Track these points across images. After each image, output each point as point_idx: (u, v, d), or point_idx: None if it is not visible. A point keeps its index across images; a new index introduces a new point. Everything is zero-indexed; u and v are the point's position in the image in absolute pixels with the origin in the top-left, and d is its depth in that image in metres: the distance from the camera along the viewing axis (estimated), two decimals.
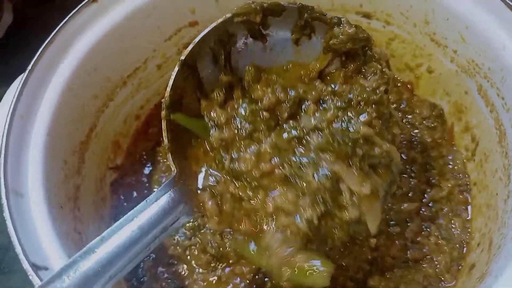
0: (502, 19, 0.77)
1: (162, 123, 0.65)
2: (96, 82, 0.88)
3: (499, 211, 0.75)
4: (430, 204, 0.88)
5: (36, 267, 0.57)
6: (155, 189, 0.94)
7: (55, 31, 0.80)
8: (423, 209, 0.88)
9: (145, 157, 0.99)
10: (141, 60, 0.96)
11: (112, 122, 0.94)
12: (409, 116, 0.98)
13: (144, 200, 0.61)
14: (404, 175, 0.90)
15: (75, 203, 0.78)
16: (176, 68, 0.66)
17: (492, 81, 0.80)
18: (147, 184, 0.96)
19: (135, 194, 0.95)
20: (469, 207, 0.87)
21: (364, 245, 0.82)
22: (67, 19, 0.82)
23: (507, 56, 0.75)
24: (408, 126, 0.96)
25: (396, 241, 0.84)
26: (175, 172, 0.64)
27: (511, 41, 0.76)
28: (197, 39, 0.67)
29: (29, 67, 0.75)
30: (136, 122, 1.03)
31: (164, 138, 0.66)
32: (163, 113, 0.66)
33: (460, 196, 0.89)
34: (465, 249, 0.83)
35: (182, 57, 0.66)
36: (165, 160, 0.98)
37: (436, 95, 0.96)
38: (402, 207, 0.87)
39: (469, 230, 0.84)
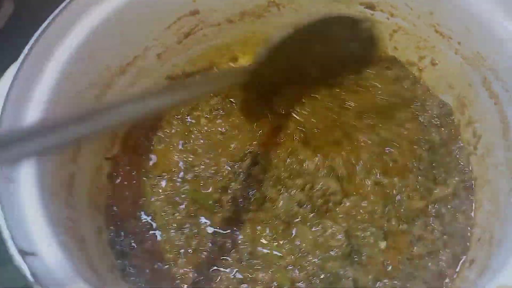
0: (508, 9, 0.75)
1: None
2: (95, 69, 0.87)
3: (500, 206, 0.73)
4: (436, 201, 0.87)
5: (23, 253, 0.56)
6: (150, 177, 0.94)
7: (51, 16, 0.78)
8: (429, 206, 0.87)
9: (141, 145, 0.98)
10: (141, 48, 0.95)
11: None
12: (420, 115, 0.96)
13: None
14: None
15: (69, 191, 0.77)
16: None
17: (497, 73, 0.78)
18: (143, 173, 0.95)
19: (132, 183, 0.94)
20: (473, 202, 0.85)
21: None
22: (65, 4, 0.80)
23: None
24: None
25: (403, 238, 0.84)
26: None
27: None
28: None
29: (24, 52, 0.74)
30: None
31: None
32: None
33: (464, 192, 0.87)
34: (468, 244, 0.81)
35: None
36: (158, 149, 0.98)
37: (439, 88, 0.94)
38: (410, 206, 0.86)
39: (472, 225, 0.82)
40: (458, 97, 0.90)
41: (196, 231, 0.87)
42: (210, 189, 0.91)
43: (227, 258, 0.84)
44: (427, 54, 0.93)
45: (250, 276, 0.82)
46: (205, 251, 0.85)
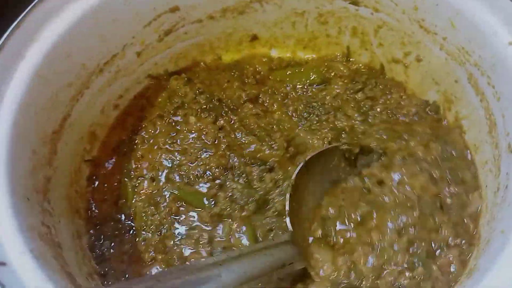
0: (494, 5, 0.74)
1: (286, 196, 0.81)
2: (70, 69, 0.83)
3: (488, 204, 0.72)
4: None
5: None
6: (132, 177, 0.91)
7: (23, 13, 0.75)
8: None
9: (122, 147, 0.95)
10: (119, 47, 0.92)
11: (88, 112, 0.90)
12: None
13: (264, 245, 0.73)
14: None
15: (45, 195, 0.74)
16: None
17: (483, 69, 0.77)
18: (125, 174, 0.92)
19: (113, 185, 0.91)
20: None
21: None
22: (38, 1, 0.77)
23: (498, 43, 0.73)
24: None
25: None
26: (291, 230, 0.78)
27: (502, 27, 0.73)
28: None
29: None
30: (114, 111, 0.99)
31: (286, 206, 0.80)
32: (289, 189, 0.81)
33: None
34: None
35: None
36: (142, 150, 0.95)
37: (425, 84, 0.93)
38: None
39: None
40: (445, 93, 0.89)
41: (171, 232, 0.85)
42: (200, 186, 0.89)
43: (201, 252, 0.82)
44: (412, 50, 0.92)
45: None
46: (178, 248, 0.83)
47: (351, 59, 1.04)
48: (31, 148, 0.73)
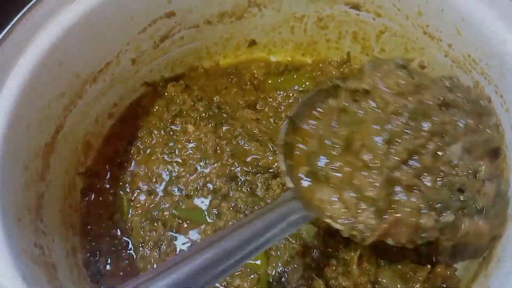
0: (502, 11, 0.72)
1: (279, 156, 0.76)
2: (63, 78, 0.80)
3: None
4: None
5: None
6: (127, 191, 0.88)
7: (13, 21, 0.72)
8: None
9: (117, 157, 0.92)
10: (113, 53, 0.89)
11: (82, 121, 0.87)
12: None
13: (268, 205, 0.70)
14: None
15: (37, 213, 0.71)
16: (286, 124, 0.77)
17: (490, 77, 0.75)
18: (120, 187, 0.89)
19: (108, 198, 0.88)
20: None
21: None
22: (28, 8, 0.74)
23: (507, 51, 0.70)
24: None
25: None
26: (293, 187, 0.72)
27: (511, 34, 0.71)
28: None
29: None
30: (109, 120, 0.96)
31: (282, 166, 0.75)
32: (280, 149, 0.76)
33: None
34: None
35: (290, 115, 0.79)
36: (138, 160, 0.92)
37: None
38: None
39: None
40: None
41: (172, 248, 0.82)
42: (200, 200, 0.86)
43: None
44: (415, 56, 0.89)
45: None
46: None
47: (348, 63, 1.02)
48: (23, 163, 0.70)
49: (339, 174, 0.73)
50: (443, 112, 0.69)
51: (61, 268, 0.70)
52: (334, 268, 0.77)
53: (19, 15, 0.73)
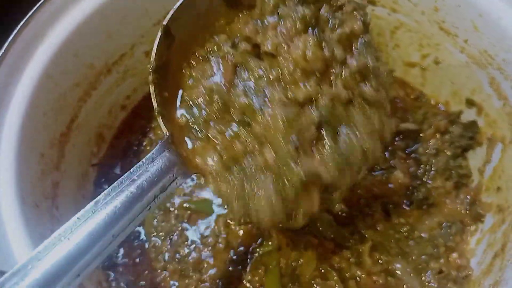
0: None
1: (150, 87, 0.62)
2: (78, 69, 0.81)
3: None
4: None
5: (2, 273, 0.51)
6: None
7: (30, 12, 0.72)
8: None
9: (130, 149, 0.92)
10: (128, 46, 0.89)
11: (95, 113, 0.87)
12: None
13: (140, 161, 0.57)
14: None
15: (53, 201, 0.71)
16: (159, 34, 0.64)
17: (507, 73, 0.74)
18: None
19: None
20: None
21: None
22: (45, 0, 0.74)
23: None
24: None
25: None
26: (167, 134, 0.60)
27: None
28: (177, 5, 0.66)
29: (1, 52, 0.68)
30: (122, 112, 0.96)
31: (153, 102, 0.61)
32: (150, 77, 0.62)
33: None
34: None
35: (164, 23, 0.65)
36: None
37: (443, 87, 0.90)
38: None
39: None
40: (464, 98, 0.87)
41: (184, 238, 0.82)
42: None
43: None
44: (430, 52, 0.89)
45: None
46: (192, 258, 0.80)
47: None
48: (40, 152, 0.71)
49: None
50: None
51: None
52: (347, 258, 0.77)
53: (36, 6, 0.73)
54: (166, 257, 0.81)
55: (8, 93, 0.67)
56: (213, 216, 0.84)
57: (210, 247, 0.80)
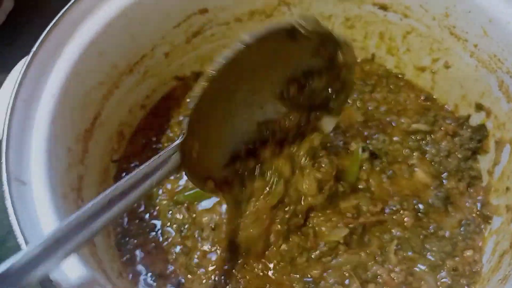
0: None
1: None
2: (102, 68, 0.84)
3: None
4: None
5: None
6: None
7: (61, 12, 0.76)
8: None
9: (148, 146, 0.96)
10: (149, 47, 0.93)
11: (117, 111, 0.91)
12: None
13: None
14: None
15: (79, 193, 0.74)
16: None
17: None
18: None
19: None
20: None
21: None
22: (73, 1, 0.78)
23: None
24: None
25: None
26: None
27: None
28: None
29: (33, 50, 0.72)
30: (141, 111, 0.99)
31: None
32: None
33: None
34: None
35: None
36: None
37: (452, 91, 0.93)
38: None
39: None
40: (473, 101, 0.89)
41: (192, 231, 0.85)
42: None
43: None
44: (440, 57, 0.92)
45: None
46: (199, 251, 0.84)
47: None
48: (67, 146, 0.74)
49: None
50: None
51: (100, 247, 0.73)
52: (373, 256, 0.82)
53: (64, 9, 0.77)
54: (177, 250, 0.85)
55: (39, 88, 0.71)
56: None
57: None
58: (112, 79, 0.87)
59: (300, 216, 0.82)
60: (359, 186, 0.88)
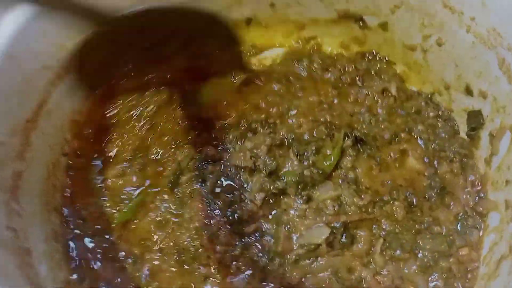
0: None
1: None
2: (47, 50, 0.74)
3: None
4: None
5: None
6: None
7: None
8: None
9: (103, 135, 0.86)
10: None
11: (68, 98, 0.81)
12: None
13: None
14: None
15: (12, 193, 0.65)
16: None
17: None
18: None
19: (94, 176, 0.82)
20: None
21: None
22: None
23: None
24: None
25: None
26: None
27: None
28: None
29: None
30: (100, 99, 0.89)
31: None
32: None
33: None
34: None
35: None
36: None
37: (445, 71, 0.83)
38: None
39: None
40: (470, 82, 0.79)
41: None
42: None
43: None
44: (433, 33, 0.82)
45: None
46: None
47: None
48: None
49: None
50: None
51: (38, 253, 0.64)
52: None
53: None
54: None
55: None
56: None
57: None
58: (61, 63, 0.77)
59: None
60: (347, 176, 0.80)
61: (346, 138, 0.81)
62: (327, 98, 0.88)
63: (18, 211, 0.64)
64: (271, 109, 0.87)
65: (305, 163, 0.79)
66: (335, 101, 0.88)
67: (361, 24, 0.90)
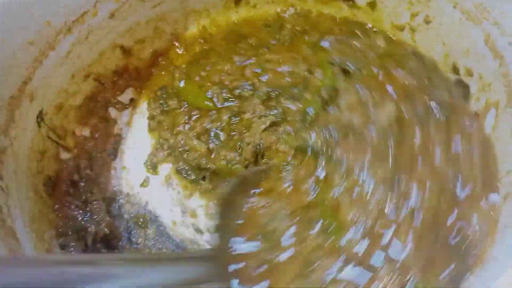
0: None
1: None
2: (30, 26, 0.72)
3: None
4: None
5: None
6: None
7: None
8: None
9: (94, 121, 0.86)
10: (91, 2, 0.81)
11: (54, 77, 0.79)
12: None
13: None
14: None
15: None
16: None
17: (503, 27, 0.67)
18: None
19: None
20: None
21: None
22: None
23: None
24: None
25: None
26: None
27: None
28: None
29: None
30: (87, 80, 0.88)
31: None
32: None
33: None
34: None
35: None
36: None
37: (433, 49, 0.83)
38: None
39: None
40: (457, 60, 0.79)
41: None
42: None
43: None
44: (420, 10, 0.81)
45: None
46: None
47: None
48: None
49: None
50: None
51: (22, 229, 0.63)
52: None
53: None
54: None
55: None
56: None
57: None
58: (46, 39, 0.76)
59: None
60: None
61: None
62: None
63: (2, 186, 0.63)
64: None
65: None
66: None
67: (350, 3, 0.90)
